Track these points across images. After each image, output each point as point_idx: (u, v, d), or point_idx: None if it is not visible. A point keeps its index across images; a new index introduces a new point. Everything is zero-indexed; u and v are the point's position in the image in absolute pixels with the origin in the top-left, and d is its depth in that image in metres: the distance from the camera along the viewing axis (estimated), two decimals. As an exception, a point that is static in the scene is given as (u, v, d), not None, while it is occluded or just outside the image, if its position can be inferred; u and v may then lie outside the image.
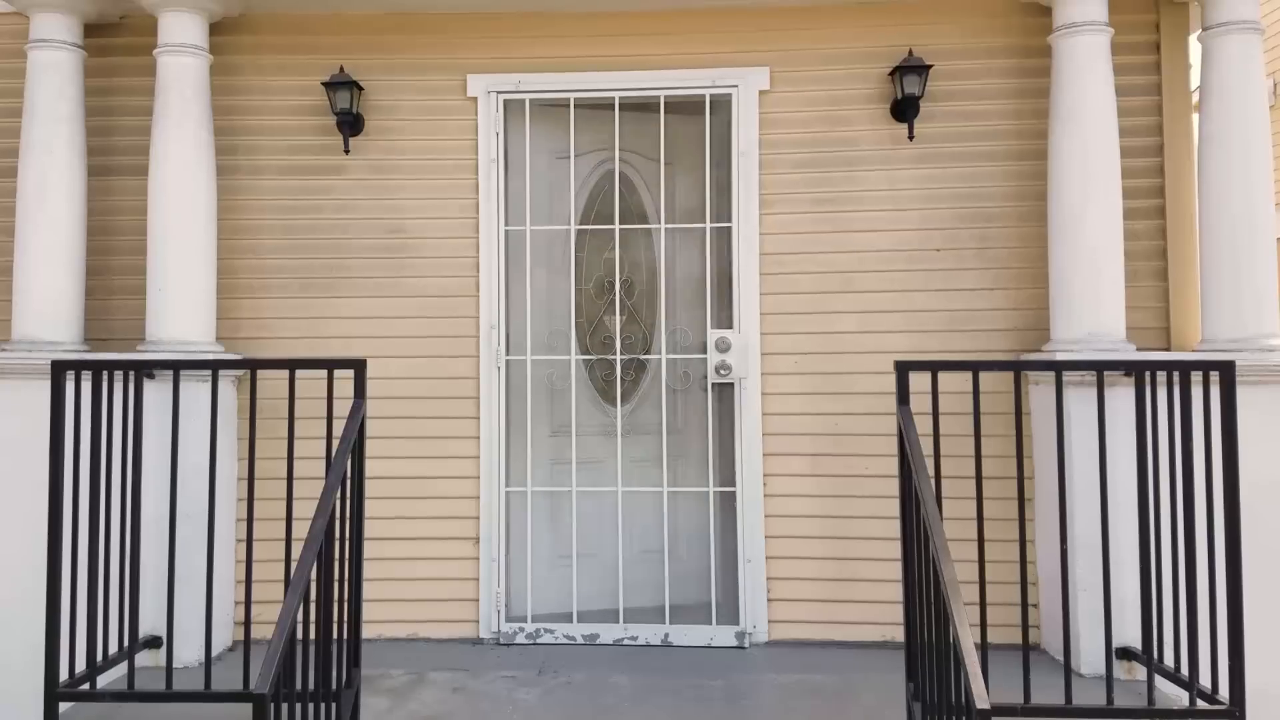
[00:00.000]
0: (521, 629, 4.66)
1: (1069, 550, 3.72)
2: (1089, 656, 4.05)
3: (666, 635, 4.60)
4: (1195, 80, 4.69)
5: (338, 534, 3.38)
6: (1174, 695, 3.65)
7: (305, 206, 4.89)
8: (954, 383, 3.83)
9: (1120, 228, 4.35)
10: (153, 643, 4.02)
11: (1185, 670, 3.50)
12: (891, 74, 4.71)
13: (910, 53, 4.66)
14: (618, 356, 4.88)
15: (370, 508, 3.93)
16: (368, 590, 3.81)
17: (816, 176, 4.78)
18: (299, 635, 3.04)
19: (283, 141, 4.92)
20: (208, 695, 3.60)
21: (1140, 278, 4.66)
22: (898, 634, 4.33)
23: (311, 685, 3.15)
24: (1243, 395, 3.59)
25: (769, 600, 4.65)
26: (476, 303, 4.80)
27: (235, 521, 4.51)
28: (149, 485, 3.85)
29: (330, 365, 3.64)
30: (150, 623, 3.97)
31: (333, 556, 3.32)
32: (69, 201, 4.57)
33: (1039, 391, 4.45)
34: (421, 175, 4.87)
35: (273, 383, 3.93)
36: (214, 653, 3.78)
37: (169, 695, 3.61)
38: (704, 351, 4.79)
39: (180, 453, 3.77)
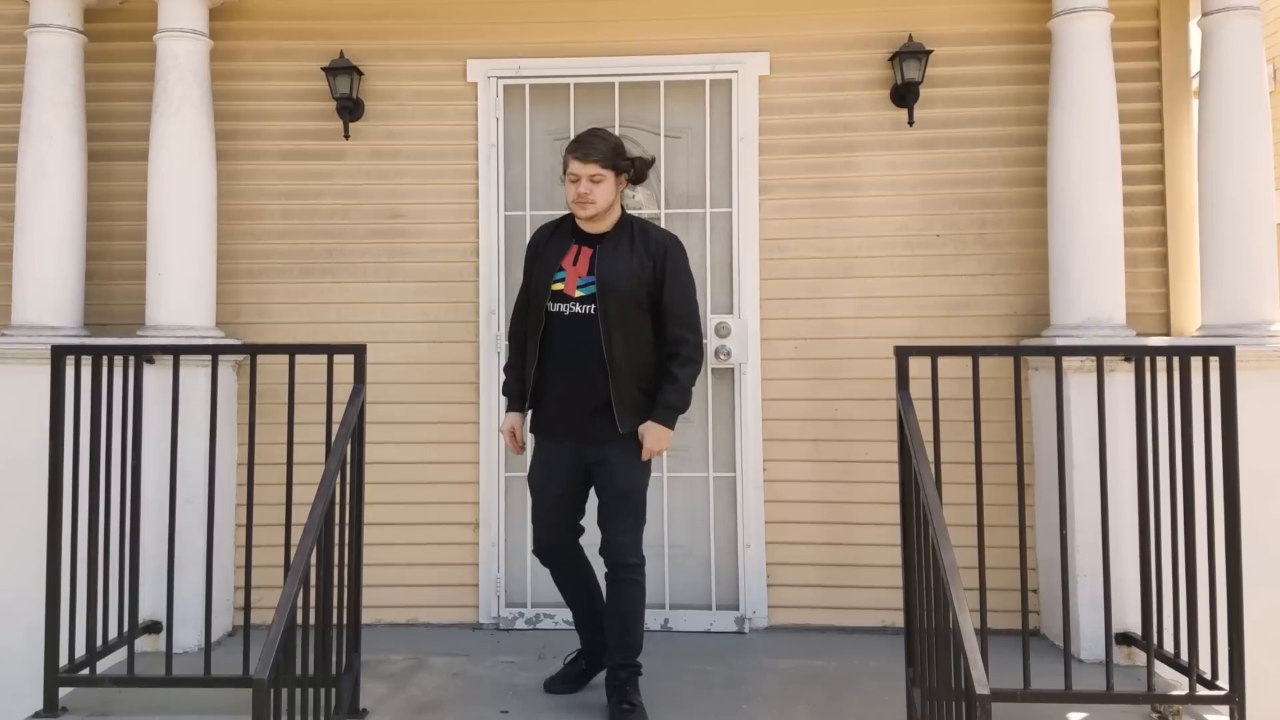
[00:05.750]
0: (521, 614, 4.67)
1: (1069, 536, 3.71)
2: (1089, 642, 4.06)
3: (666, 621, 4.60)
4: (1195, 66, 4.68)
5: (337, 519, 3.38)
6: (1174, 681, 3.65)
7: (305, 191, 4.88)
8: (954, 368, 3.82)
9: (1120, 213, 4.35)
10: (152, 628, 4.03)
11: (1185, 656, 3.51)
12: (891, 59, 4.69)
13: (910, 38, 4.65)
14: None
15: (370, 493, 3.93)
16: (367, 575, 3.80)
17: (817, 161, 4.77)
18: (298, 620, 3.05)
19: (282, 126, 4.91)
20: (207, 680, 3.60)
21: (1140, 263, 4.65)
22: (897, 619, 4.34)
23: (311, 670, 3.15)
24: (1242, 380, 3.58)
25: (768, 585, 4.66)
26: (476, 288, 4.80)
27: (235, 506, 4.51)
28: (149, 470, 3.84)
29: (330, 350, 3.63)
30: (150, 608, 3.98)
31: (332, 542, 3.33)
32: (69, 186, 4.56)
33: (1039, 377, 4.45)
34: (421, 160, 4.87)
35: (273, 368, 3.92)
36: (214, 637, 3.78)
37: (169, 680, 3.61)
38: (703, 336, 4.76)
39: (180, 438, 3.76)
